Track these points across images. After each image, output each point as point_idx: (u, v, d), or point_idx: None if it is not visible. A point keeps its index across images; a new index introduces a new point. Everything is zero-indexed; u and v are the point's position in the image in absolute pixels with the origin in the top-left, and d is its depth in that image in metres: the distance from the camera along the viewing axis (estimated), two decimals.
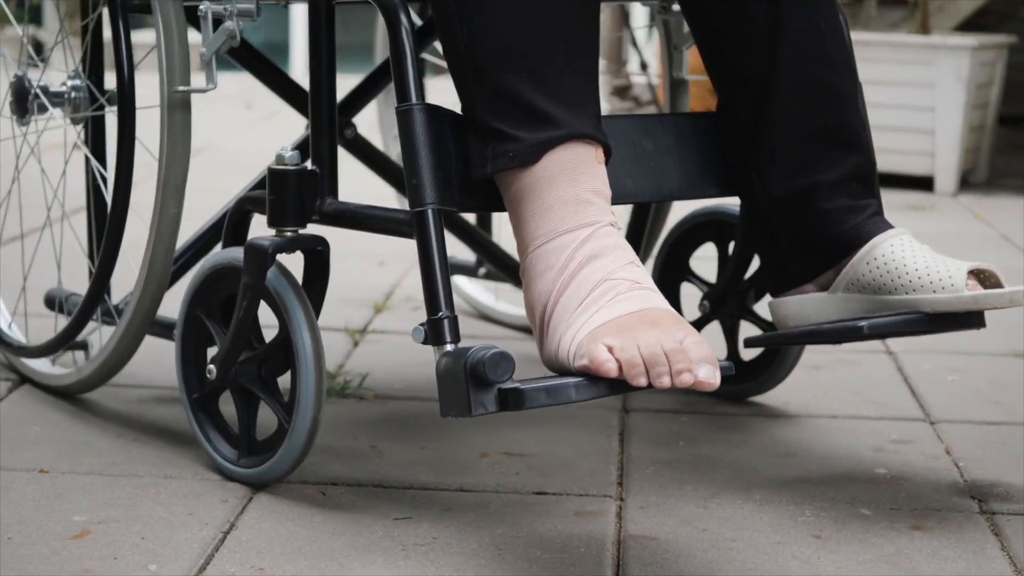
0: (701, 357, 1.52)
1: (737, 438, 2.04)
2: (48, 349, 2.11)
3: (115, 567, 1.56)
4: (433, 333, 1.57)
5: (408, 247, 2.15)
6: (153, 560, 1.58)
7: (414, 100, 1.62)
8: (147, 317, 1.95)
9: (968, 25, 4.96)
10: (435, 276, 1.58)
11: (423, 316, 1.61)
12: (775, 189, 1.85)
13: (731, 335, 2.18)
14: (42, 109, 2.07)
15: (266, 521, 1.70)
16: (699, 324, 2.18)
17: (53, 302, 2.22)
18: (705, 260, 2.26)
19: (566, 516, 1.74)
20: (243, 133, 5.32)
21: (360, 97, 2.25)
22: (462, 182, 1.66)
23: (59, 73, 2.09)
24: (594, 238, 1.61)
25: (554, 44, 1.64)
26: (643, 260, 2.26)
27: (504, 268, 2.45)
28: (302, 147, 1.98)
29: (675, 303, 2.24)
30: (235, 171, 4.32)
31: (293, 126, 5.54)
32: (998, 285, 1.75)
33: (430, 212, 1.60)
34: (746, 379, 2.17)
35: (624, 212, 2.23)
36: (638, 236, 2.28)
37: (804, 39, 1.84)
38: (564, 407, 2.11)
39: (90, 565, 1.56)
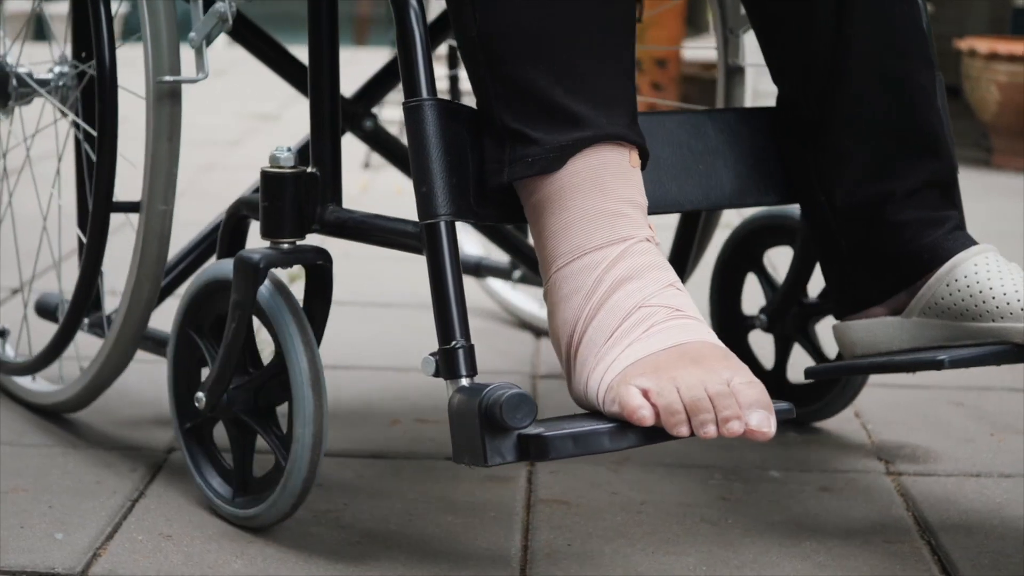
0: (753, 401, 1.35)
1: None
2: (33, 365, 1.90)
3: (22, 536, 1.55)
4: (446, 365, 1.38)
5: None
6: (60, 528, 1.57)
7: (424, 94, 1.43)
8: (138, 328, 1.75)
9: None
10: (448, 299, 1.39)
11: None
12: (841, 198, 1.63)
13: (809, 341, 1.93)
14: (25, 97, 1.88)
15: (175, 489, 1.69)
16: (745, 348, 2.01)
17: (46, 310, 1.99)
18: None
19: (477, 481, 1.74)
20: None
21: (382, 84, 2.05)
22: (479, 190, 1.46)
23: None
24: (627, 256, 1.43)
25: (582, 31, 1.44)
26: (689, 275, 2.02)
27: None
28: (303, 149, 1.78)
29: (732, 318, 2.02)
30: None
31: (198, 100, 5.51)
32: None
33: (442, 225, 1.41)
34: (813, 400, 1.93)
35: (671, 219, 2.07)
36: (686, 248, 2.00)
37: (877, 25, 1.61)
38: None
39: None
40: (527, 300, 2.49)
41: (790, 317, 1.91)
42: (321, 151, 1.61)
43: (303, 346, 1.51)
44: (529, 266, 2.25)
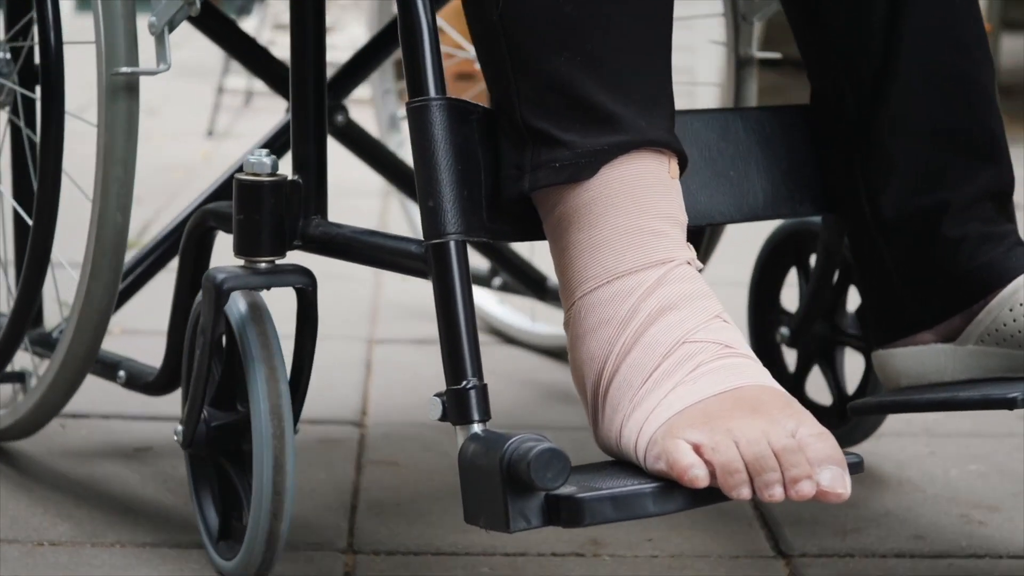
0: (824, 457, 1.17)
1: (487, 365, 2.05)
2: None
3: None
4: (456, 408, 1.19)
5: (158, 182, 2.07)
6: None
7: (432, 93, 1.23)
8: (90, 349, 1.52)
9: None
10: (459, 331, 1.20)
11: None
12: (888, 209, 1.44)
13: (831, 367, 1.73)
14: None
15: (1, 454, 1.68)
16: (776, 359, 1.77)
17: None
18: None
19: (309, 444, 1.75)
20: None
21: (354, 73, 1.83)
22: (492, 202, 1.27)
23: None
24: (667, 282, 1.24)
25: (619, 20, 1.25)
26: None
27: (524, 280, 2.04)
28: (272, 144, 1.64)
29: (776, 356, 1.78)
30: None
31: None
32: None
33: (452, 245, 1.22)
34: (837, 424, 1.69)
35: None
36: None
37: (933, 16, 1.43)
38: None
39: None
40: (512, 313, 2.26)
41: (815, 336, 1.72)
42: (305, 156, 1.41)
43: (266, 391, 1.32)
44: (511, 273, 2.06)
